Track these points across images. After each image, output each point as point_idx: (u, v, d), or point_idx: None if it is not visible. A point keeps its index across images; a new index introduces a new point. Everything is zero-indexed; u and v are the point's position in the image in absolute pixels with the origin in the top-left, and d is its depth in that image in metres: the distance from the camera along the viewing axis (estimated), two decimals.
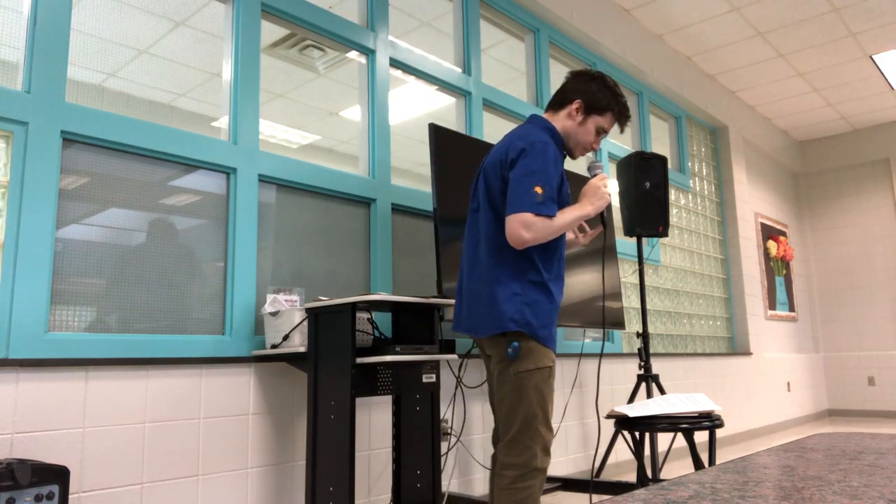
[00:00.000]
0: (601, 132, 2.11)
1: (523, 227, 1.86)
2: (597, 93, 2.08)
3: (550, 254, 2.00)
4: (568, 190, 2.07)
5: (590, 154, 2.15)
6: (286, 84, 3.17)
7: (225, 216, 2.57)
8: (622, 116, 2.10)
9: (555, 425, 3.84)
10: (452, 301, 2.45)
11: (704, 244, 6.04)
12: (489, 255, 2.00)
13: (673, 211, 5.57)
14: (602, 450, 4.21)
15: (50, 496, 1.72)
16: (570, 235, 2.26)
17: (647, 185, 3.98)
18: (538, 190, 1.88)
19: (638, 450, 3.05)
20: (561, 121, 2.10)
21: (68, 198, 2.17)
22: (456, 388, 3.13)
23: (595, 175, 2.10)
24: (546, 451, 1.95)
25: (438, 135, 2.86)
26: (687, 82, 5.81)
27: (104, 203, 2.26)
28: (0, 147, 2.04)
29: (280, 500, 2.50)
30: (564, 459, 3.92)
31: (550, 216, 1.90)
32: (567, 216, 1.95)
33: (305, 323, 2.35)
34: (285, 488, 2.52)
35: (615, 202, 4.26)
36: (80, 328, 2.15)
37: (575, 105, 2.07)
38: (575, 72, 2.15)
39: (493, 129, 3.84)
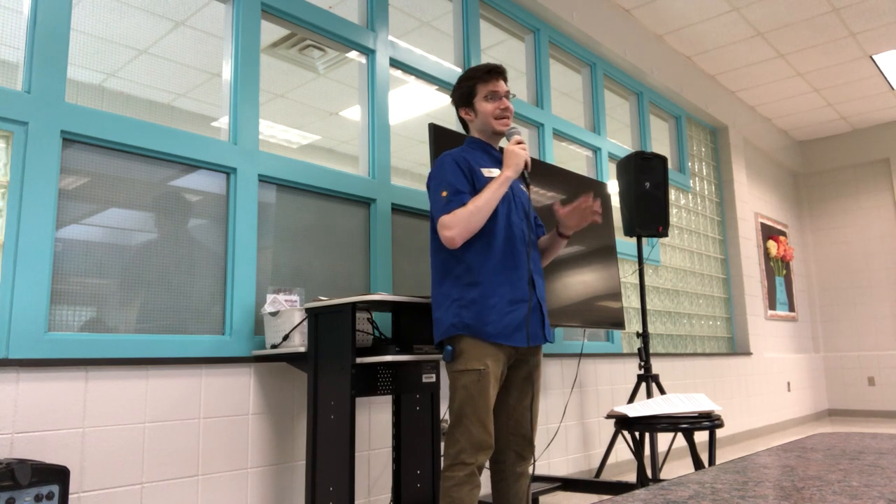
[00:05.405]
0: (492, 97, 2.24)
1: (444, 229, 2.06)
2: (457, 90, 2.30)
3: (483, 249, 2.11)
4: (485, 177, 2.16)
5: (512, 125, 2.27)
6: (286, 84, 3.17)
7: (225, 216, 2.57)
8: (486, 72, 2.24)
9: (554, 425, 3.84)
10: None
11: (704, 244, 6.04)
12: (431, 264, 2.22)
13: (673, 211, 5.57)
14: (602, 450, 4.21)
15: (50, 496, 1.72)
16: (564, 230, 2.31)
17: (647, 185, 3.98)
18: (443, 194, 2.10)
19: (638, 450, 3.05)
20: (472, 128, 2.32)
21: (68, 198, 2.17)
22: None
23: (510, 139, 2.23)
24: (477, 448, 2.03)
25: (438, 135, 2.85)
26: (687, 82, 5.81)
27: (104, 203, 2.26)
28: (0, 147, 2.04)
29: (280, 500, 2.50)
30: (564, 459, 3.92)
31: (463, 204, 2.06)
32: (487, 191, 2.08)
33: (305, 323, 2.35)
34: (285, 488, 2.52)
35: (615, 202, 4.26)
36: (80, 328, 2.14)
37: (461, 112, 2.32)
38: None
39: None
